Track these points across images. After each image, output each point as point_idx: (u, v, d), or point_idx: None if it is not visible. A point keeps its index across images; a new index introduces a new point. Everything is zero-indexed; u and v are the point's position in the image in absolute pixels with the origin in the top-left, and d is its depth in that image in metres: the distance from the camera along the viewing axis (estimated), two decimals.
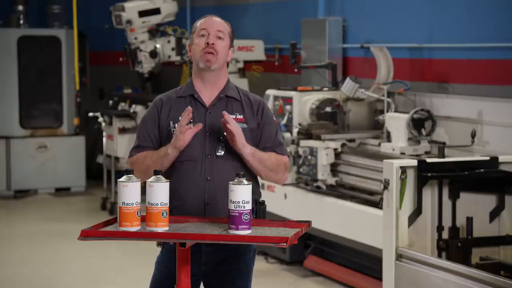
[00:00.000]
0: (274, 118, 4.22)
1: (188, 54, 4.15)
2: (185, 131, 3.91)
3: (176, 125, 4.01)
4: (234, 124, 3.92)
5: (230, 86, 4.12)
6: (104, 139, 10.47)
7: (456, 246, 5.39)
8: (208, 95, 4.08)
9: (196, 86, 4.09)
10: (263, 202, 4.05)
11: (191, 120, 4.00)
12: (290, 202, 7.59)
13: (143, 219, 3.64)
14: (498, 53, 6.92)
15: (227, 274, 4.06)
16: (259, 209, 4.02)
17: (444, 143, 6.55)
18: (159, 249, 4.17)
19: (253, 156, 3.97)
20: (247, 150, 3.95)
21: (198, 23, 4.08)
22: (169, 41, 10.09)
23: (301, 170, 7.36)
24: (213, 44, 3.99)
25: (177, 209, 3.95)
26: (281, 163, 4.09)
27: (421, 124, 6.88)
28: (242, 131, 3.98)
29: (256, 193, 3.98)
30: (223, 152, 3.99)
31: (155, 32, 10.15)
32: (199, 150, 3.99)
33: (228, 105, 4.06)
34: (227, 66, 4.14)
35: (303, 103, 7.52)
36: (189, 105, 4.05)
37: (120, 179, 3.62)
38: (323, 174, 7.18)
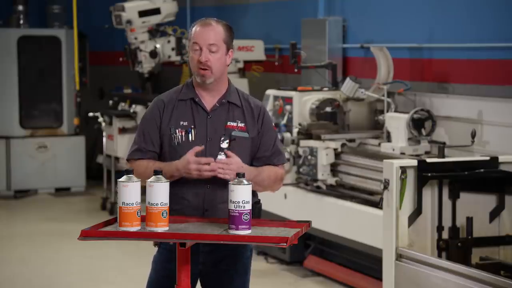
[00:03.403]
0: (273, 124, 4.20)
1: (188, 58, 4.12)
2: (202, 173, 3.86)
3: (177, 131, 3.98)
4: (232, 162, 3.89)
5: (232, 90, 4.08)
6: (104, 139, 10.47)
7: (456, 246, 5.39)
8: (209, 100, 4.05)
9: (197, 89, 4.07)
10: (259, 201, 4.07)
11: (192, 126, 3.99)
12: (290, 202, 7.59)
13: (143, 219, 3.64)
14: (498, 53, 6.92)
15: (225, 274, 4.06)
16: (254, 208, 4.01)
17: (444, 143, 6.55)
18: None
19: (250, 181, 3.93)
20: (245, 177, 3.90)
21: (192, 31, 3.98)
22: (169, 41, 10.09)
23: (301, 170, 7.36)
24: (206, 61, 3.94)
25: (175, 213, 3.92)
26: (277, 179, 4.10)
27: (421, 124, 6.88)
28: (243, 141, 3.98)
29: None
30: (224, 157, 3.97)
31: (155, 32, 10.15)
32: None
33: (229, 111, 4.04)
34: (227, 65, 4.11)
35: (303, 103, 7.52)
36: (191, 109, 4.02)
37: (120, 179, 3.62)
38: (323, 174, 7.18)
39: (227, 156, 3.91)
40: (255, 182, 3.92)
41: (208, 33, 3.95)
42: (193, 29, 4.00)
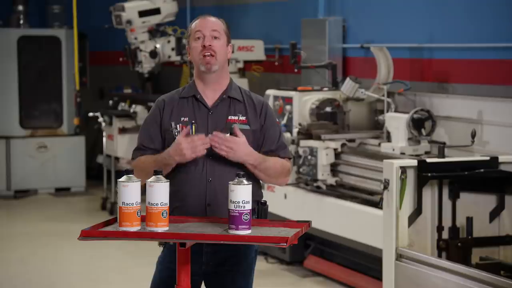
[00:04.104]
0: (277, 119, 4.21)
1: (188, 57, 4.14)
2: (196, 154, 3.88)
3: (178, 126, 3.99)
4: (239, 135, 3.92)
5: (233, 87, 4.10)
6: (104, 139, 10.47)
7: (456, 246, 5.39)
8: (210, 96, 4.06)
9: (198, 87, 4.08)
10: (265, 202, 4.05)
11: (193, 122, 4.00)
12: (290, 202, 7.59)
13: (143, 219, 3.64)
14: (498, 53, 6.92)
15: (228, 274, 4.05)
16: (260, 209, 4.01)
17: (444, 143, 6.55)
18: (159, 248, 4.16)
19: (254, 168, 3.96)
20: (250, 161, 3.94)
21: (193, 26, 4.05)
22: (169, 41, 10.09)
23: (301, 170, 7.36)
24: (210, 45, 3.98)
25: (178, 209, 3.94)
26: (284, 169, 4.09)
27: (421, 124, 6.88)
28: (244, 133, 3.97)
29: (257, 194, 3.98)
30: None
31: (155, 32, 10.15)
32: None
33: (230, 106, 4.05)
34: (228, 64, 4.13)
35: (303, 103, 7.52)
36: (192, 106, 4.04)
37: (120, 179, 3.61)
38: (323, 174, 7.18)
39: (235, 134, 3.92)
40: (260, 170, 3.96)
41: (210, 21, 4.03)
42: (193, 23, 4.07)
